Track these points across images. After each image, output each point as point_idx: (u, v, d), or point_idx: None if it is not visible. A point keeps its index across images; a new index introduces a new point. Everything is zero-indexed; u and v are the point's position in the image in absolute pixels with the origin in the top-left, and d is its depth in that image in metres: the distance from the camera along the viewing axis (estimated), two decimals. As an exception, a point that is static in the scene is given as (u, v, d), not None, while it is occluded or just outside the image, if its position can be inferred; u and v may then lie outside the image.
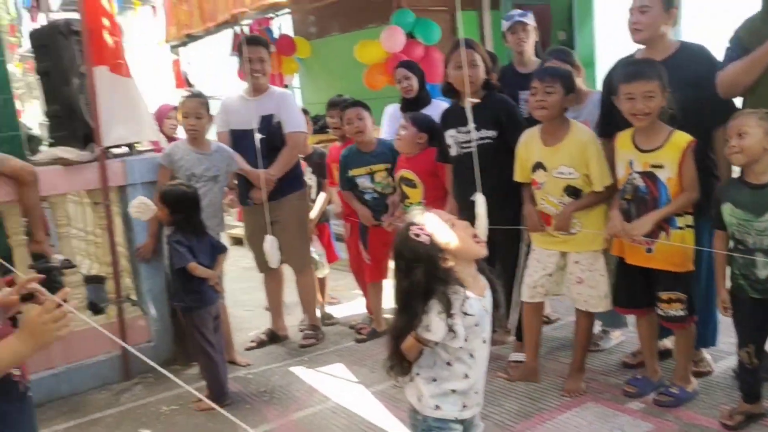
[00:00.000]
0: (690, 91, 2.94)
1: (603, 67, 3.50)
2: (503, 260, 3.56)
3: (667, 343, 3.46)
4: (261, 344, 4.28)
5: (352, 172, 4.15)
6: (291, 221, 4.17)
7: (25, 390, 1.64)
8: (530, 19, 4.00)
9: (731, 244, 2.76)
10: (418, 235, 1.90)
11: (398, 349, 1.95)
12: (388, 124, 4.56)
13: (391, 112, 4.61)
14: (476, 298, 1.94)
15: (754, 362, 2.74)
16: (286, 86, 8.54)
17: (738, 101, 3.00)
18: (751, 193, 2.65)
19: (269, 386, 3.67)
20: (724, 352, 3.30)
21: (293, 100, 4.29)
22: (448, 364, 1.96)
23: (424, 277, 1.87)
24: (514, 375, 3.43)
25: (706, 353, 3.34)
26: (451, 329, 1.86)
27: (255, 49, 4.07)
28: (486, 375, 2.08)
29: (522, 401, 3.23)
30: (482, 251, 2.00)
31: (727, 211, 2.71)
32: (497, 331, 3.93)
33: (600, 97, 3.40)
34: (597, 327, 3.79)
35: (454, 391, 1.98)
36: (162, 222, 3.62)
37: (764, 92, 2.84)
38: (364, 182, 4.14)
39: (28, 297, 1.73)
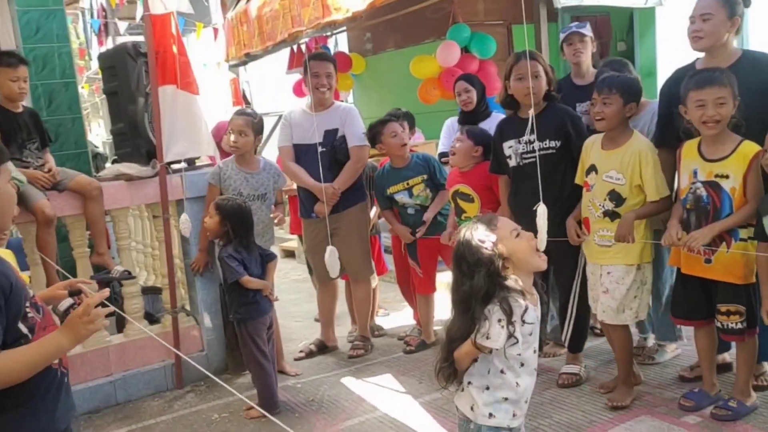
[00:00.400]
0: (754, 99, 2.87)
1: (664, 77, 3.42)
2: (559, 272, 3.51)
3: (727, 356, 3.33)
4: (310, 354, 4.31)
5: (390, 191, 4.17)
6: (352, 232, 4.21)
7: (62, 376, 1.75)
8: (587, 30, 3.95)
9: None
10: (483, 241, 1.93)
11: (450, 355, 1.97)
12: (446, 137, 4.59)
13: (450, 124, 4.64)
14: (533, 308, 1.95)
15: None
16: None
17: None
18: None
19: (318, 395, 3.69)
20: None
21: (357, 114, 4.33)
22: (502, 372, 1.97)
23: (485, 282, 1.89)
24: (618, 400, 3.21)
25: None
26: (511, 335, 1.88)
27: (322, 64, 4.14)
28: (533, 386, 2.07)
29: (573, 413, 3.16)
30: (542, 265, 2.01)
31: None
32: (548, 344, 3.89)
33: (656, 107, 3.36)
34: (651, 340, 3.72)
35: (506, 399, 1.98)
36: (212, 235, 3.68)
37: None
38: (403, 198, 4.15)
39: (76, 293, 1.88)
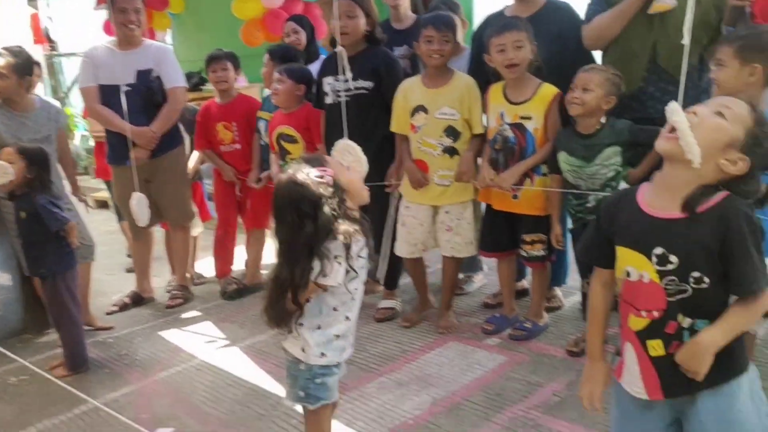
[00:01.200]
0: (554, 45, 3.06)
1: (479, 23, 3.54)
2: (372, 213, 3.55)
3: (525, 283, 3.61)
4: (124, 307, 4.10)
5: (259, 114, 4.11)
6: (170, 178, 4.02)
7: None
8: None
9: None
10: (321, 177, 1.85)
11: (281, 298, 1.87)
12: None
13: None
14: (364, 241, 1.93)
15: None
16: (158, 43, 8.15)
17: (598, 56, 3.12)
18: (582, 142, 2.80)
19: (131, 349, 3.54)
20: (574, 288, 3.48)
21: (172, 54, 4.06)
22: (335, 309, 1.95)
23: (330, 219, 1.83)
24: (411, 317, 3.48)
25: (558, 290, 3.52)
26: (351, 269, 1.86)
27: None
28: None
29: (387, 345, 3.29)
30: (368, 198, 2.01)
31: (562, 158, 2.87)
32: (368, 281, 3.99)
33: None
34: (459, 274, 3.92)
35: (337, 336, 1.98)
36: (13, 185, 3.27)
37: (624, 44, 2.94)
38: (262, 128, 4.08)
39: None
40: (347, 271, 1.85)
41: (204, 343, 3.56)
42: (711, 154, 1.46)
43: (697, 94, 2.80)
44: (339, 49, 3.06)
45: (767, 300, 1.47)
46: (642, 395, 1.58)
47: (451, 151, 3.21)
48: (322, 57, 4.21)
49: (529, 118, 3.01)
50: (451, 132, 3.20)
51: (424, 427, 2.54)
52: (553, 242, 3.03)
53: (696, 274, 1.47)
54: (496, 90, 3.12)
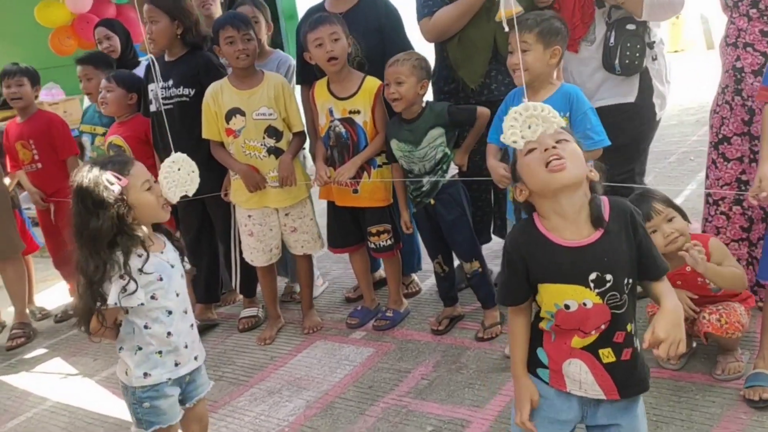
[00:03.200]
0: (374, 38, 3.13)
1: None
2: (217, 224, 3.50)
3: (382, 272, 3.71)
4: (-43, 356, 3.73)
5: (82, 127, 3.88)
6: None
7: None
8: None
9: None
10: (111, 184, 1.82)
11: (94, 298, 1.84)
12: None
13: None
14: (155, 254, 1.92)
15: (444, 269, 3.12)
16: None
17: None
18: (408, 128, 2.92)
19: (-30, 401, 3.23)
20: (428, 272, 3.62)
21: None
22: (146, 327, 1.93)
23: (111, 225, 1.81)
24: (266, 335, 3.38)
25: (414, 276, 3.66)
26: (124, 288, 1.83)
27: None
28: (195, 327, 2.07)
29: (255, 355, 3.26)
30: (166, 217, 1.99)
31: (394, 146, 2.99)
32: (225, 292, 3.92)
33: (284, 60, 3.56)
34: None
35: (160, 353, 1.95)
36: None
37: (466, 39, 3.05)
38: (86, 141, 3.84)
39: None
40: (124, 289, 1.83)
41: (55, 382, 3.33)
42: (584, 171, 1.55)
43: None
44: (148, 57, 2.96)
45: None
46: (600, 396, 1.62)
47: (276, 152, 3.18)
48: (143, 61, 4.05)
49: (357, 112, 3.06)
50: (273, 132, 3.17)
51: (301, 432, 2.56)
52: (403, 228, 3.14)
53: (626, 279, 1.53)
54: (320, 86, 3.15)
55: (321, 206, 3.40)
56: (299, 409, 2.70)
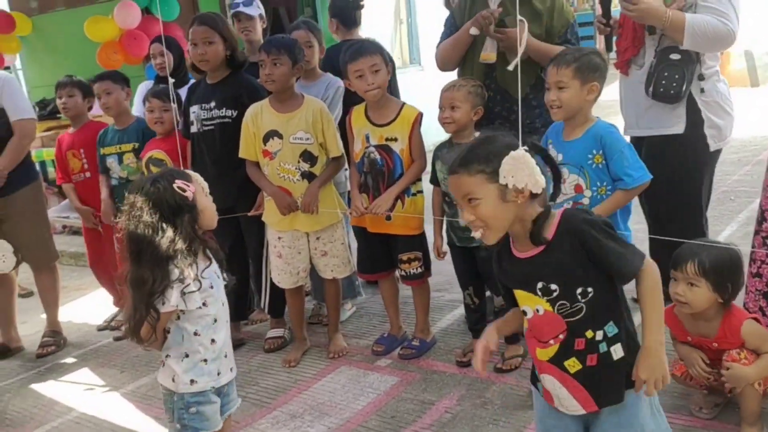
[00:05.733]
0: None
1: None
2: (250, 242, 3.52)
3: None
4: (-12, 362, 3.80)
5: (103, 150, 3.87)
6: (26, 216, 3.76)
7: None
8: (254, 9, 3.92)
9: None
10: (183, 189, 1.89)
11: (150, 306, 1.89)
12: (141, 102, 4.27)
13: (143, 89, 4.38)
14: (204, 262, 1.99)
15: (474, 301, 3.09)
16: (7, 68, 7.62)
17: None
18: (455, 149, 2.90)
19: (-1, 407, 3.28)
20: (458, 302, 3.58)
21: (16, 83, 3.82)
22: (196, 334, 1.98)
23: (189, 229, 1.88)
24: (291, 357, 3.37)
25: (349, 303, 3.72)
26: (184, 293, 1.89)
27: None
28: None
29: (279, 377, 3.25)
30: (215, 224, 2.06)
31: (438, 167, 2.99)
32: (255, 310, 3.93)
33: (333, 83, 3.56)
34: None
35: (205, 360, 2.00)
36: None
37: (468, 69, 3.11)
38: (113, 163, 3.86)
39: None
40: (183, 291, 1.89)
41: (82, 392, 3.36)
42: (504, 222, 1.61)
43: (533, 113, 3.06)
44: (171, 82, 3.01)
45: (651, 269, 1.59)
46: (580, 411, 1.67)
47: (309, 176, 3.19)
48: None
49: (394, 140, 3.07)
50: (308, 157, 3.18)
51: (322, 459, 2.54)
52: (434, 255, 3.12)
53: (579, 289, 1.60)
54: (358, 112, 3.17)
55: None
56: (320, 435, 2.68)
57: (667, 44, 2.79)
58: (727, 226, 4.22)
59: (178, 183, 1.90)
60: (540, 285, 1.63)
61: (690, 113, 2.84)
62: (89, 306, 4.66)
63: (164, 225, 1.87)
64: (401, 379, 3.04)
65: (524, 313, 1.70)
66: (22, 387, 3.48)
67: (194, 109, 3.41)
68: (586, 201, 2.43)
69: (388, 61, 3.06)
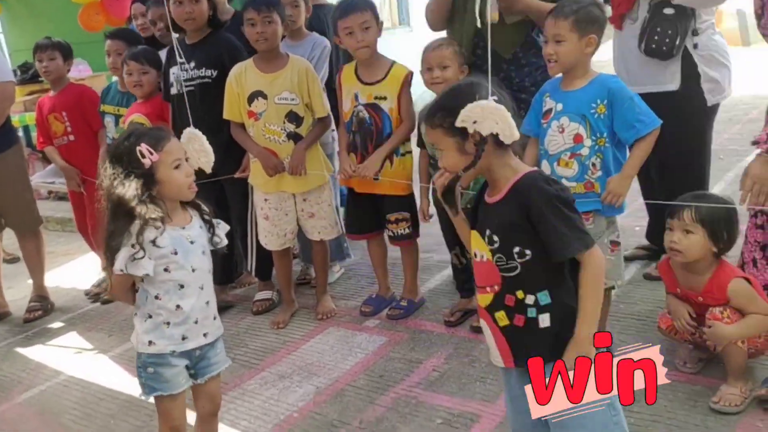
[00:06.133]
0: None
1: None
2: (234, 205, 3.48)
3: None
4: (-25, 327, 3.78)
5: (103, 107, 3.82)
6: (7, 181, 3.72)
7: None
8: None
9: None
10: (143, 155, 1.87)
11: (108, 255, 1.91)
12: None
13: None
14: (172, 229, 1.95)
15: (462, 261, 3.08)
16: (-14, 32, 7.49)
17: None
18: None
19: (-14, 371, 3.27)
20: (446, 263, 3.57)
21: None
22: (157, 297, 1.97)
23: (135, 191, 1.86)
24: (280, 319, 3.36)
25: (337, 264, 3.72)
26: (133, 257, 1.87)
27: None
28: (212, 305, 2.07)
29: (267, 338, 3.25)
30: (190, 196, 2.02)
31: (423, 129, 2.92)
32: (243, 273, 3.92)
33: (319, 42, 3.50)
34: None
35: (168, 324, 1.98)
36: None
37: (460, 24, 3.02)
38: (109, 123, 3.80)
39: None
40: (134, 255, 1.87)
41: (70, 356, 3.36)
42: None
43: (522, 71, 2.98)
44: (175, 37, 2.93)
45: (595, 257, 1.57)
46: (500, 364, 1.72)
47: (295, 137, 3.15)
48: None
49: (384, 98, 3.03)
50: (294, 117, 3.14)
51: (310, 418, 2.54)
52: (420, 217, 3.11)
53: (516, 249, 1.60)
54: (348, 71, 3.12)
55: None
56: (309, 395, 2.69)
57: None
58: (716, 184, 4.22)
59: (142, 147, 1.87)
60: (488, 232, 1.66)
61: (685, 69, 2.80)
62: (77, 271, 4.64)
63: (123, 181, 1.86)
64: (389, 339, 3.05)
65: (474, 255, 1.72)
66: (9, 351, 3.48)
67: (174, 70, 3.33)
68: (585, 151, 2.35)
69: (379, 18, 3.00)
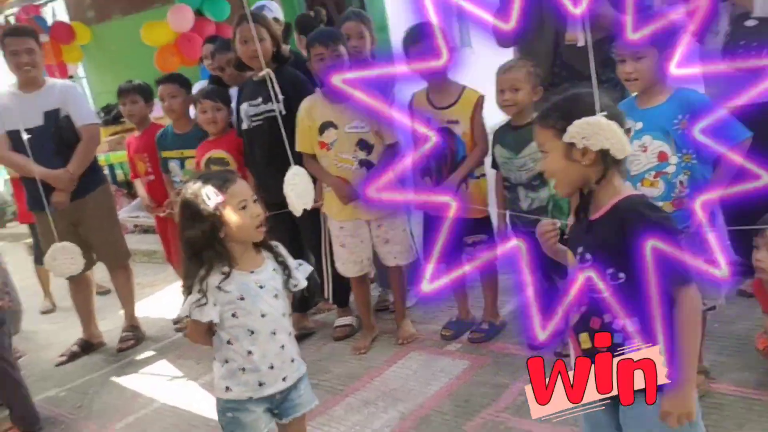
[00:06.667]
0: None
1: (396, 31, 3.55)
2: (306, 235, 3.55)
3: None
4: (73, 357, 3.97)
5: (165, 154, 3.95)
6: (98, 218, 3.92)
7: None
8: (268, 12, 3.93)
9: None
10: (209, 198, 1.90)
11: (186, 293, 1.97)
12: None
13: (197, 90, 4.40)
14: (240, 273, 1.95)
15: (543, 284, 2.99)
16: (71, 77, 7.92)
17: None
18: (513, 133, 2.87)
19: (86, 400, 3.43)
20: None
21: (79, 91, 4.01)
22: (229, 342, 1.98)
23: (201, 237, 1.90)
24: (361, 345, 3.41)
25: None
26: (198, 304, 1.89)
27: (19, 40, 3.68)
28: (289, 348, 2.04)
29: (350, 363, 3.28)
30: (259, 237, 2.00)
31: (497, 151, 2.95)
32: (319, 301, 3.97)
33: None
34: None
35: (243, 370, 1.98)
36: None
37: (528, 45, 3.02)
38: (175, 167, 3.93)
39: None
40: (198, 302, 1.89)
41: (162, 384, 3.48)
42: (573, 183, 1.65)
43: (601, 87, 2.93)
44: (265, 71, 3.01)
45: (692, 296, 1.50)
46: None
47: (367, 165, 3.20)
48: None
49: (456, 122, 3.05)
50: (364, 145, 3.20)
51: (397, 444, 2.56)
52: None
53: (610, 270, 1.56)
54: (419, 96, 3.15)
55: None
56: (394, 421, 2.70)
57: (741, 11, 2.67)
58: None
59: (207, 189, 1.90)
60: (580, 249, 1.63)
61: None
62: (164, 301, 4.80)
63: (192, 224, 1.90)
64: (472, 363, 3.04)
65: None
66: (105, 381, 3.63)
67: (243, 107, 3.45)
68: (671, 169, 2.28)
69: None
